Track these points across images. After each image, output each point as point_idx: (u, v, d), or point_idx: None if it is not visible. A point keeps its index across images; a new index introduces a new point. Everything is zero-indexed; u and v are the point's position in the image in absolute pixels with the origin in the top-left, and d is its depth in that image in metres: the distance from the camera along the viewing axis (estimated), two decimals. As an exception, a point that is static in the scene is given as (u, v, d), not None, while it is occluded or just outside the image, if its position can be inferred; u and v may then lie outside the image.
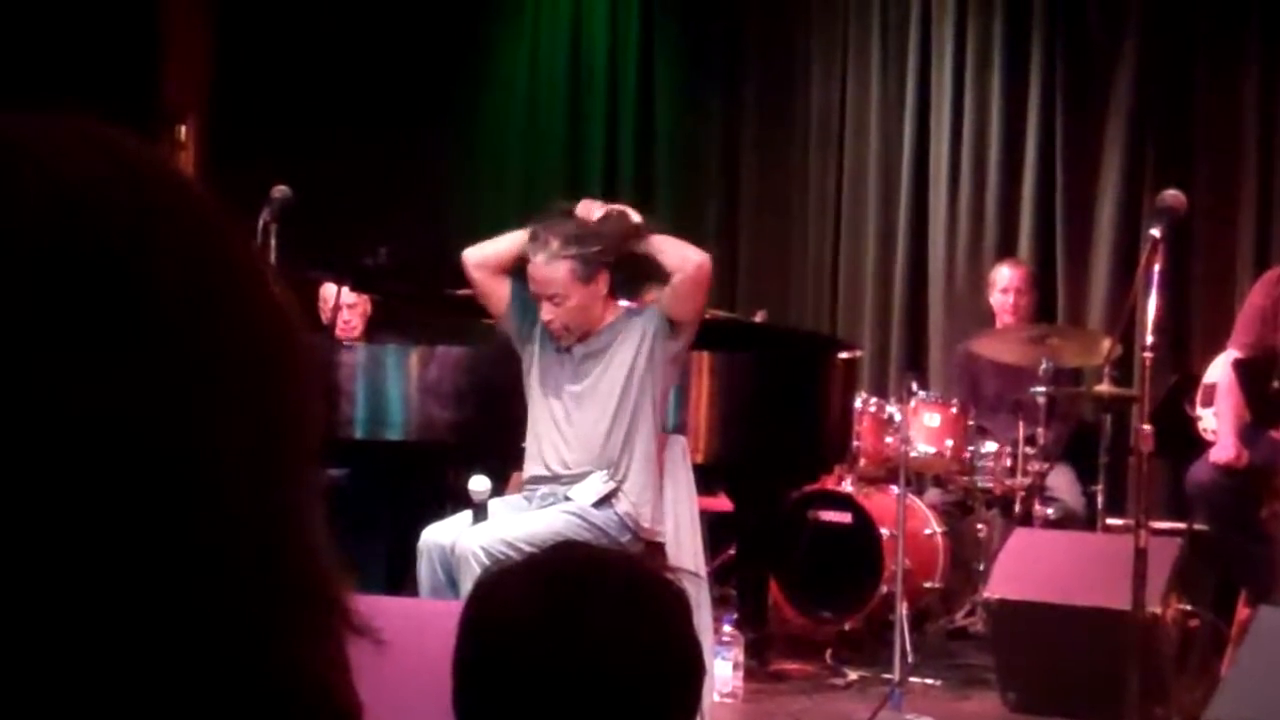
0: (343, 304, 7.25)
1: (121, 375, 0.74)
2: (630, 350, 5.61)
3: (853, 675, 6.87)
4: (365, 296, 7.58)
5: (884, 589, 7.16)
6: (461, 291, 7.20)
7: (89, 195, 0.76)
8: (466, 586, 4.82)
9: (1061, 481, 7.55)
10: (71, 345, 0.74)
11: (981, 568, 7.16)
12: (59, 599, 0.73)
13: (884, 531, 7.22)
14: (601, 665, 1.83)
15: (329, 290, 7.35)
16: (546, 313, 5.57)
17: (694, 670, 1.92)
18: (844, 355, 7.23)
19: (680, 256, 5.64)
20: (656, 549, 5.56)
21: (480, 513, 5.40)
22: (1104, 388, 6.89)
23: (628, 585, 1.89)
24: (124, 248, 0.76)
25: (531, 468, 5.70)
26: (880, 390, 8.41)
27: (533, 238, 5.59)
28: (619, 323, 5.67)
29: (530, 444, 5.72)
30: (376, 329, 7.68)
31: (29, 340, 0.73)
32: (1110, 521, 7.06)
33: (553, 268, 5.52)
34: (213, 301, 0.78)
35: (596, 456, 5.58)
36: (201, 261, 0.78)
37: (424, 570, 5.39)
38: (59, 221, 0.75)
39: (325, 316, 7.31)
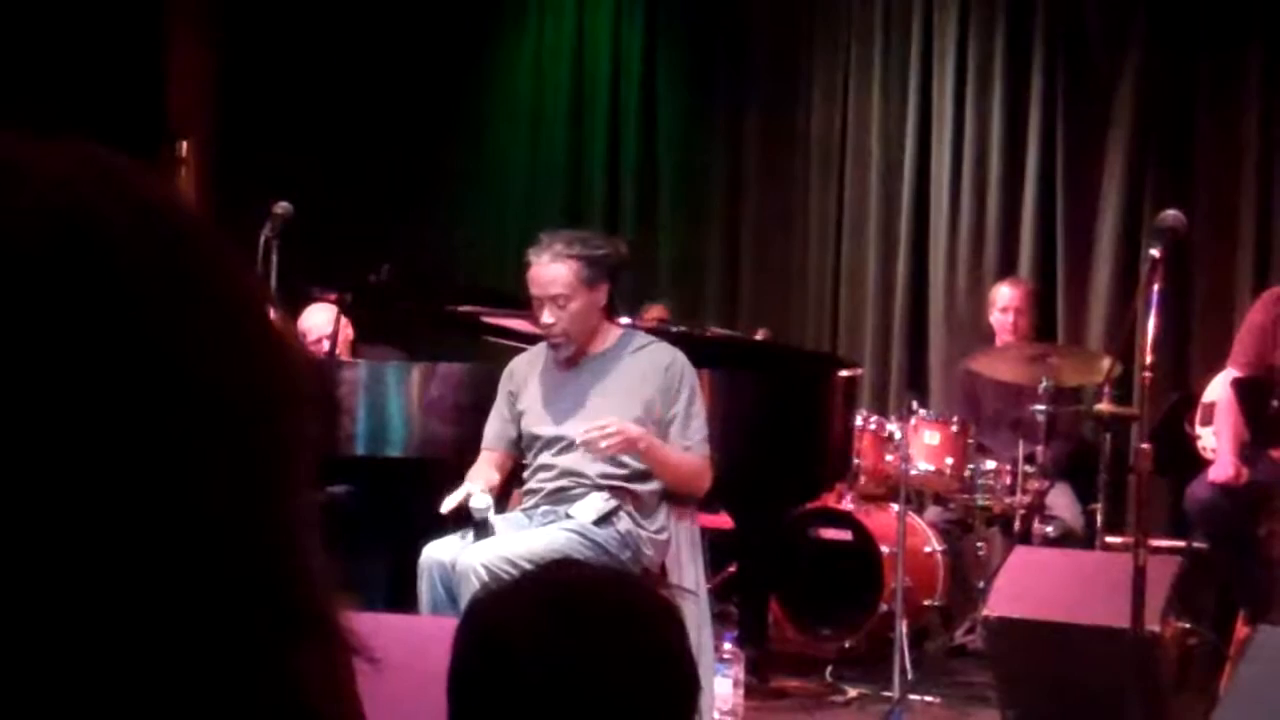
0: (322, 336, 7.11)
1: (113, 400, 0.74)
2: (649, 389, 5.59)
3: (853, 693, 6.88)
4: (346, 321, 7.41)
5: (884, 606, 7.17)
6: (464, 309, 7.23)
7: (87, 221, 0.76)
8: (467, 603, 4.82)
9: (1061, 500, 7.56)
10: (64, 370, 0.74)
11: (981, 585, 7.15)
12: (50, 622, 0.73)
13: (884, 549, 7.23)
14: (596, 683, 1.84)
15: (311, 321, 7.26)
16: (549, 316, 5.53)
17: (689, 688, 1.92)
18: (845, 373, 7.23)
19: (688, 488, 5.66)
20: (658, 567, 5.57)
21: (482, 529, 5.41)
22: (1104, 406, 6.88)
23: (622, 603, 1.90)
24: (120, 274, 0.76)
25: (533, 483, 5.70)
26: (881, 408, 8.41)
27: (533, 246, 5.59)
28: (630, 350, 5.66)
29: (532, 478, 5.72)
30: (361, 347, 7.55)
31: (21, 364, 0.73)
32: (1110, 540, 7.05)
33: (557, 267, 5.49)
34: (209, 327, 0.78)
35: (601, 478, 5.58)
36: (198, 288, 0.79)
37: (425, 588, 5.38)
38: (56, 247, 0.75)
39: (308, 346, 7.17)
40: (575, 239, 5.56)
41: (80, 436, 0.74)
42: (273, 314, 0.82)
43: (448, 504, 5.50)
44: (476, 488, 5.49)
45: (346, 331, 7.32)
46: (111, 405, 0.74)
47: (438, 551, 5.41)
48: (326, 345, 7.03)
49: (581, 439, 5.43)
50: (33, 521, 0.73)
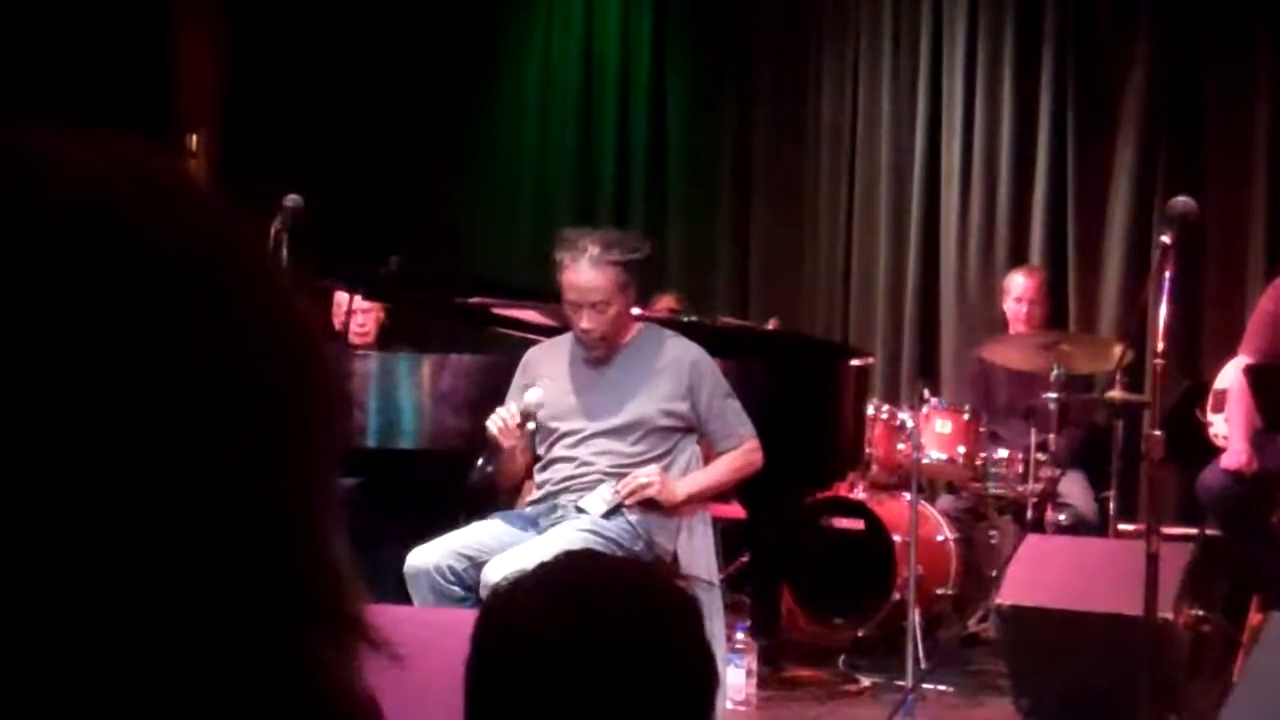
0: (356, 309, 7.24)
1: (138, 394, 0.74)
2: (674, 387, 5.60)
3: (866, 682, 6.88)
4: (376, 305, 7.57)
5: (896, 595, 7.17)
6: (472, 300, 7.23)
7: (114, 214, 0.76)
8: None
9: (1073, 487, 7.55)
10: (90, 358, 0.74)
11: (994, 574, 7.14)
12: (72, 613, 0.73)
13: (896, 538, 7.23)
14: (615, 675, 1.84)
15: (344, 296, 7.35)
16: (588, 321, 5.50)
17: (707, 678, 1.92)
18: (856, 362, 7.23)
19: (747, 476, 5.77)
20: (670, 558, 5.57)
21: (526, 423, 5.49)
22: (1115, 394, 6.90)
23: (640, 594, 1.90)
24: (147, 267, 0.76)
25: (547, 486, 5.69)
26: (892, 397, 8.40)
27: (563, 243, 5.56)
28: (653, 345, 5.67)
29: (544, 470, 5.71)
30: (389, 336, 7.66)
31: (48, 352, 0.73)
32: (1122, 527, 7.06)
33: (599, 273, 5.46)
34: (235, 314, 0.78)
35: (612, 468, 5.58)
36: (224, 275, 0.78)
37: (418, 600, 5.32)
38: (82, 240, 0.75)
39: (339, 322, 7.32)
40: (611, 242, 5.52)
41: (105, 431, 0.74)
42: (300, 304, 0.82)
43: (493, 422, 5.48)
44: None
45: (379, 311, 7.52)
46: (137, 399, 0.74)
47: (421, 558, 5.37)
48: (360, 320, 7.17)
49: (624, 489, 5.48)
50: (57, 518, 0.73)
